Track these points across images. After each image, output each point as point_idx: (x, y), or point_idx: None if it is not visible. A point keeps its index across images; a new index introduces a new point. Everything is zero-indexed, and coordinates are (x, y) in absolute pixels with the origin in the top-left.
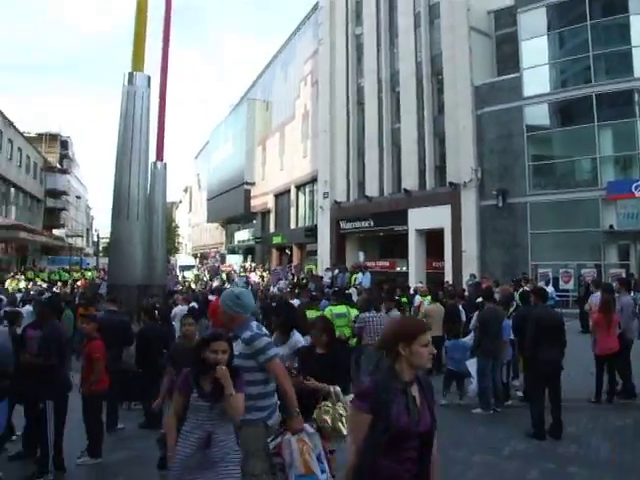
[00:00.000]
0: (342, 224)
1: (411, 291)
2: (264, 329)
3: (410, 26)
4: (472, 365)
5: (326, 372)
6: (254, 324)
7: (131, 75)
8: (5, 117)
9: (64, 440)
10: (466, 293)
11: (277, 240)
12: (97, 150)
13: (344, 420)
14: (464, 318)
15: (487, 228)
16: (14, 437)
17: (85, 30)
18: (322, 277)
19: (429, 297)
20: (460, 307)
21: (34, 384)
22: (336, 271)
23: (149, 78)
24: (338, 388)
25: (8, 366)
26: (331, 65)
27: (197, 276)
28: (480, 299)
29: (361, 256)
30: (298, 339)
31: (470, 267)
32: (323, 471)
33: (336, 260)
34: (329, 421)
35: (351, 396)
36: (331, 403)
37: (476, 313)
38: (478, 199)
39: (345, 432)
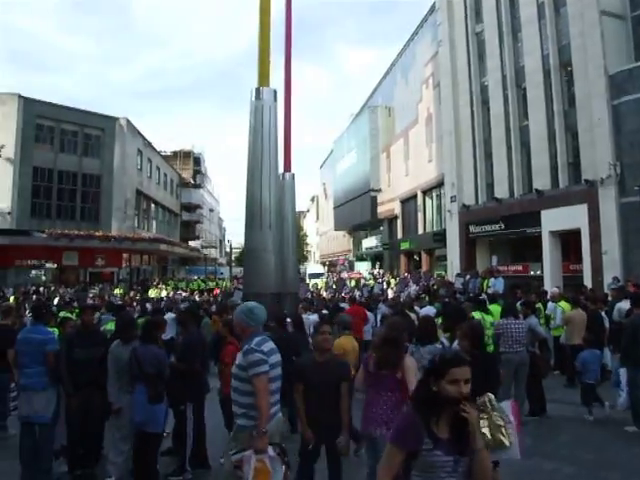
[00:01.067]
0: (471, 228)
1: (548, 296)
2: (267, 344)
3: (534, 17)
4: (622, 376)
5: (476, 380)
6: (257, 338)
7: (258, 90)
8: (144, 138)
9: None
10: (609, 298)
11: (405, 246)
12: (224, 164)
13: (503, 430)
14: (607, 325)
15: (630, 227)
16: (165, 434)
17: (209, 54)
18: (453, 283)
19: (563, 302)
20: (602, 313)
21: (177, 387)
22: (467, 276)
23: (275, 92)
24: (492, 396)
25: (164, 372)
26: (452, 66)
27: (326, 283)
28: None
29: (494, 260)
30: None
31: (612, 270)
32: None
33: (466, 265)
34: (488, 433)
35: (506, 403)
36: (486, 414)
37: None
38: (618, 196)
39: (507, 442)
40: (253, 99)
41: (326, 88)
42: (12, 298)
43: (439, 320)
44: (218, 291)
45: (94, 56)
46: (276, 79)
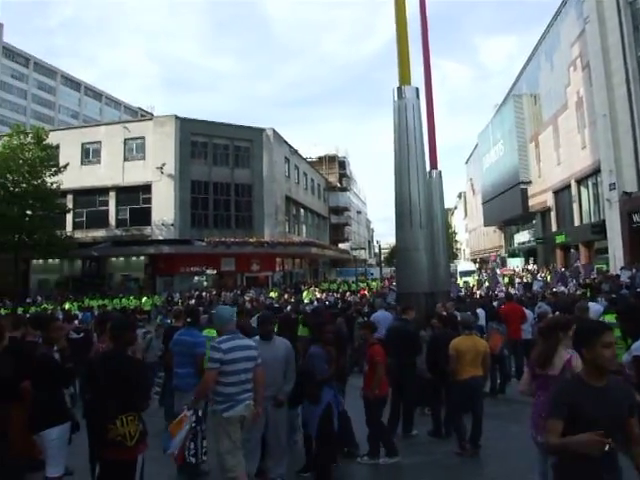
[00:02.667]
0: (635, 217)
1: None
2: (228, 343)
3: None
4: None
5: None
6: (224, 337)
7: (400, 89)
8: (290, 146)
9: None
10: None
11: (560, 239)
12: (368, 165)
13: None
14: None
15: None
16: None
17: (344, 59)
18: (618, 276)
19: None
20: None
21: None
22: (633, 270)
23: (417, 90)
24: None
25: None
26: (602, 42)
27: (479, 281)
28: None
29: None
30: None
31: None
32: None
33: (631, 257)
34: None
35: None
36: None
37: None
38: None
39: None
40: (395, 98)
41: (465, 82)
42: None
43: (604, 317)
44: (365, 292)
45: (237, 73)
46: (414, 77)
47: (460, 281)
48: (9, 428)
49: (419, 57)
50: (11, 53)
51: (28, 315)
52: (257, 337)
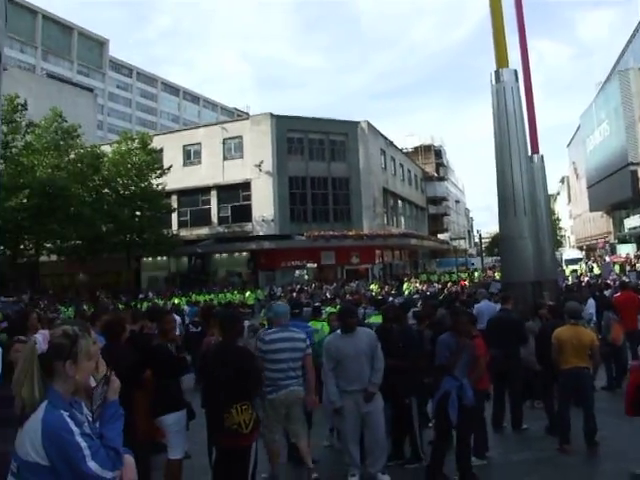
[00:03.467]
0: None
1: None
2: (270, 335)
3: None
4: None
5: None
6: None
7: (497, 72)
8: (385, 138)
9: None
10: None
11: None
12: (465, 153)
13: None
14: None
15: None
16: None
17: (433, 46)
18: None
19: None
20: None
21: (402, 382)
22: None
23: (516, 72)
24: None
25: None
26: None
27: (587, 269)
28: None
29: None
30: None
31: None
32: None
33: None
34: None
35: None
36: None
37: None
38: None
39: None
40: (493, 82)
41: (562, 61)
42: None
43: None
44: (465, 283)
45: (328, 68)
46: (511, 60)
47: (567, 270)
48: (134, 414)
49: (514, 39)
50: (116, 66)
51: (143, 310)
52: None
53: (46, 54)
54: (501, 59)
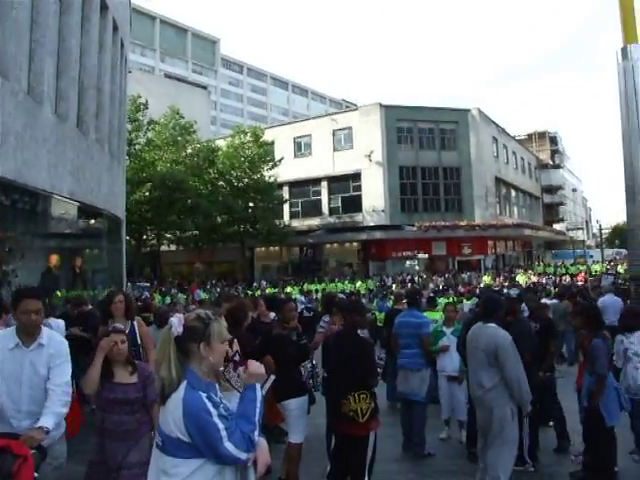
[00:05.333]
0: None
1: None
2: None
3: None
4: None
5: None
6: None
7: (624, 49)
8: (497, 125)
9: None
10: None
11: None
12: (585, 139)
13: None
14: None
15: None
16: None
17: (550, 27)
18: None
19: None
20: None
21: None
22: None
23: None
24: None
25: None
26: None
27: None
28: None
29: None
30: None
31: None
32: None
33: None
34: None
35: None
36: None
37: None
38: None
39: None
40: (620, 60)
41: None
42: (394, 286)
43: None
44: (583, 275)
45: (431, 56)
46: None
47: None
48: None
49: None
50: (228, 63)
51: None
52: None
53: (164, 56)
54: (629, 35)
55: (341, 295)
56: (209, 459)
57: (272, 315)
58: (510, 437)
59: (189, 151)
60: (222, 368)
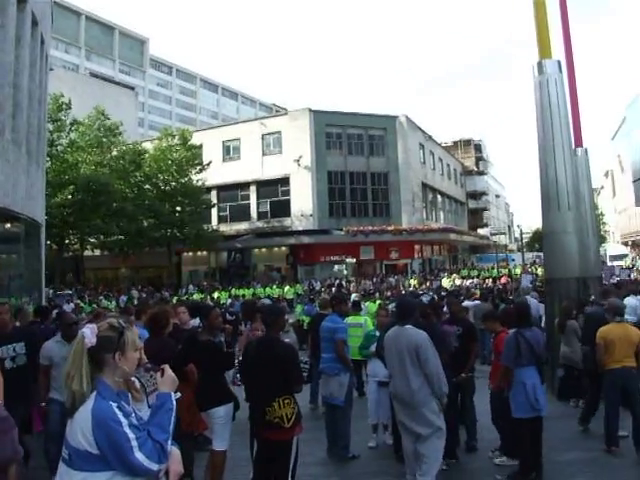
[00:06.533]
0: None
1: None
2: None
3: None
4: None
5: None
6: None
7: (540, 64)
8: (424, 132)
9: None
10: None
11: None
12: (506, 148)
13: None
14: None
15: None
16: None
17: (470, 40)
18: None
19: None
20: None
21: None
22: None
23: (559, 63)
24: None
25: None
26: None
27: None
28: None
29: None
30: None
31: None
32: None
33: None
34: None
35: None
36: None
37: None
38: None
39: None
40: (536, 74)
41: (604, 49)
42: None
43: None
44: (504, 279)
45: (361, 63)
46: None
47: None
48: (177, 406)
49: (556, 26)
50: (156, 63)
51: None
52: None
53: (89, 54)
54: (544, 50)
55: (267, 301)
56: (119, 471)
57: (196, 322)
58: (439, 432)
59: (114, 153)
60: (133, 377)
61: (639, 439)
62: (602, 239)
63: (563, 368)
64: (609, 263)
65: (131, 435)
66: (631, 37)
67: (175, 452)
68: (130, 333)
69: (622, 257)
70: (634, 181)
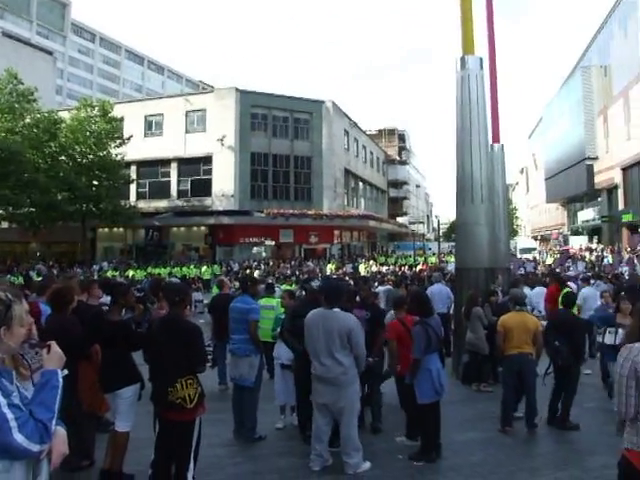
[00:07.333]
0: None
1: None
2: None
3: None
4: None
5: None
6: None
7: (463, 59)
8: (350, 119)
9: None
10: None
11: (627, 218)
12: (429, 139)
13: None
14: None
15: None
16: None
17: (404, 31)
18: None
19: None
20: None
21: None
22: None
23: (481, 60)
24: None
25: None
26: None
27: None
28: None
29: None
30: None
31: None
32: None
33: None
34: None
35: None
36: None
37: None
38: None
39: None
40: (458, 69)
41: (530, 51)
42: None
43: None
44: (425, 266)
45: (294, 47)
46: (479, 46)
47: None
48: (77, 386)
49: (482, 23)
50: (78, 29)
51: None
52: None
53: (3, 12)
54: (468, 46)
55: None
56: None
57: (106, 299)
58: (357, 412)
59: (27, 121)
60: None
61: (531, 419)
62: (514, 233)
63: (468, 354)
64: (519, 256)
65: (10, 415)
66: (550, 39)
67: (60, 432)
68: (18, 307)
69: (531, 250)
70: (546, 179)
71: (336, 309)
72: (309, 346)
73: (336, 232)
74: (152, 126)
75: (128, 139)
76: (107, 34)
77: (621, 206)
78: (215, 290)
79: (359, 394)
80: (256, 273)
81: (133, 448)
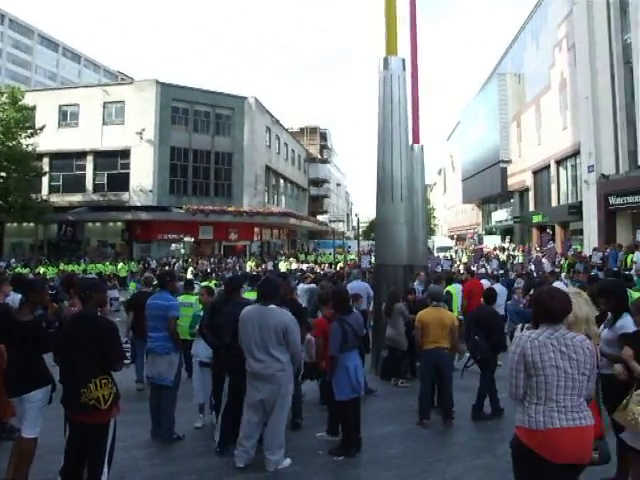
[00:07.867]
0: (611, 199)
1: None
2: None
3: None
4: None
5: None
6: None
7: (386, 60)
8: (272, 116)
9: None
10: None
11: (537, 219)
12: (350, 138)
13: None
14: None
15: None
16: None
17: (329, 30)
18: (589, 257)
19: None
20: None
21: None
22: (607, 250)
23: (403, 61)
24: None
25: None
26: (589, 24)
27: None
28: None
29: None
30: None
31: None
32: None
33: (605, 239)
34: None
35: None
36: None
37: None
38: None
39: None
40: (381, 69)
41: (449, 56)
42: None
43: None
44: (352, 263)
45: (217, 43)
46: (402, 48)
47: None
48: None
49: (405, 25)
50: None
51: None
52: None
53: None
54: (391, 46)
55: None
56: None
57: (16, 297)
58: (287, 409)
59: None
60: None
61: (446, 411)
62: (431, 231)
63: (387, 349)
64: (436, 254)
65: None
66: (468, 47)
67: None
68: None
69: (447, 249)
70: (463, 180)
71: (272, 305)
72: (243, 342)
73: (256, 229)
74: (67, 117)
75: (40, 129)
76: (18, 16)
77: (532, 208)
78: (133, 286)
79: (292, 392)
80: (176, 267)
81: (41, 455)
